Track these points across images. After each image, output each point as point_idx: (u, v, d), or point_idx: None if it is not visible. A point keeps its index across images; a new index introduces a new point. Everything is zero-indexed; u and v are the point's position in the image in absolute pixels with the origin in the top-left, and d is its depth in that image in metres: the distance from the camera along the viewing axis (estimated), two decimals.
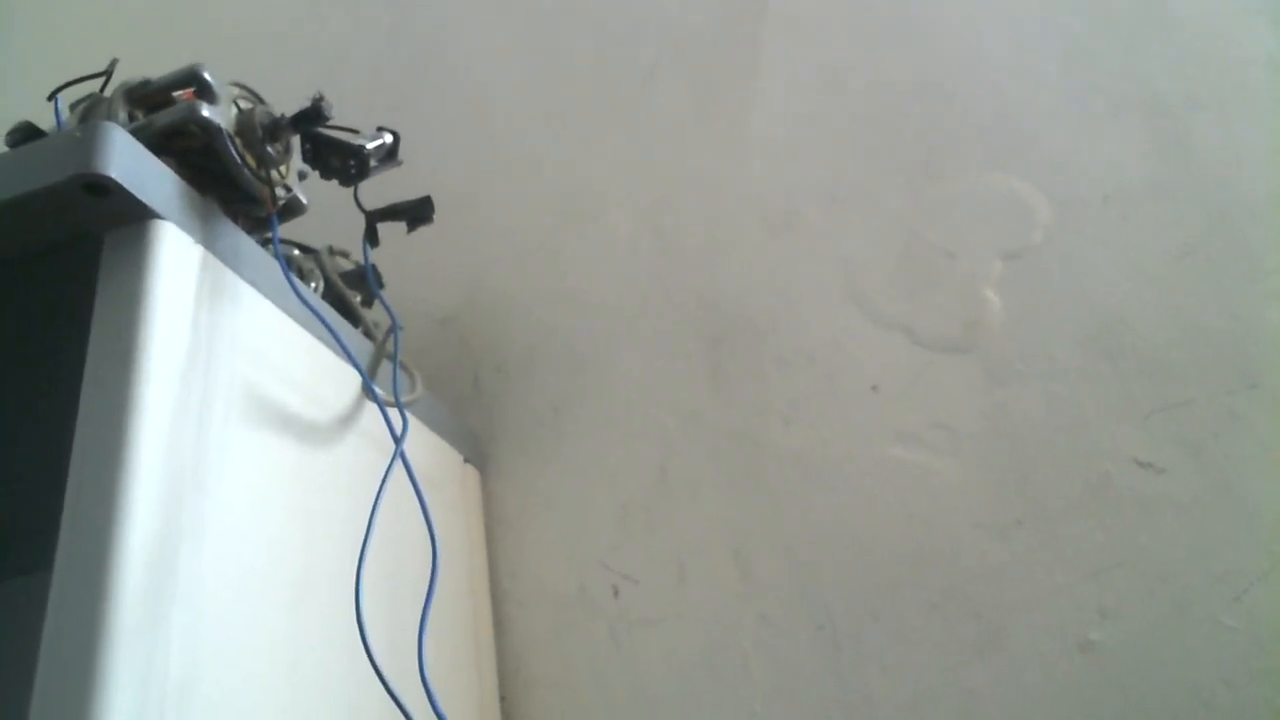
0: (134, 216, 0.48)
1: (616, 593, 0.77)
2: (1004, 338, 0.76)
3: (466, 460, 0.81)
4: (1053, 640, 0.66)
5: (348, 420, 0.62)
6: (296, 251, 0.72)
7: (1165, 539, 0.66)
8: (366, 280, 0.67)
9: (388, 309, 0.64)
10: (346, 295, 0.72)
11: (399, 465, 0.53)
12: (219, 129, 0.54)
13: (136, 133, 0.51)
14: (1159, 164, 0.78)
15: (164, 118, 0.53)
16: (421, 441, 0.73)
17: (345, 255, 0.76)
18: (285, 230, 0.62)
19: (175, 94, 0.56)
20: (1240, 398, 0.68)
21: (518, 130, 1.02)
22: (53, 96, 0.57)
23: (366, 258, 0.66)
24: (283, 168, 0.59)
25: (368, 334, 0.70)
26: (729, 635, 0.73)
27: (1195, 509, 0.66)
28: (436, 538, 0.50)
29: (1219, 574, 0.63)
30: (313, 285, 0.71)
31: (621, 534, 0.79)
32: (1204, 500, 0.66)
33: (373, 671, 0.47)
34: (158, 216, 0.48)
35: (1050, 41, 0.86)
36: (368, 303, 0.75)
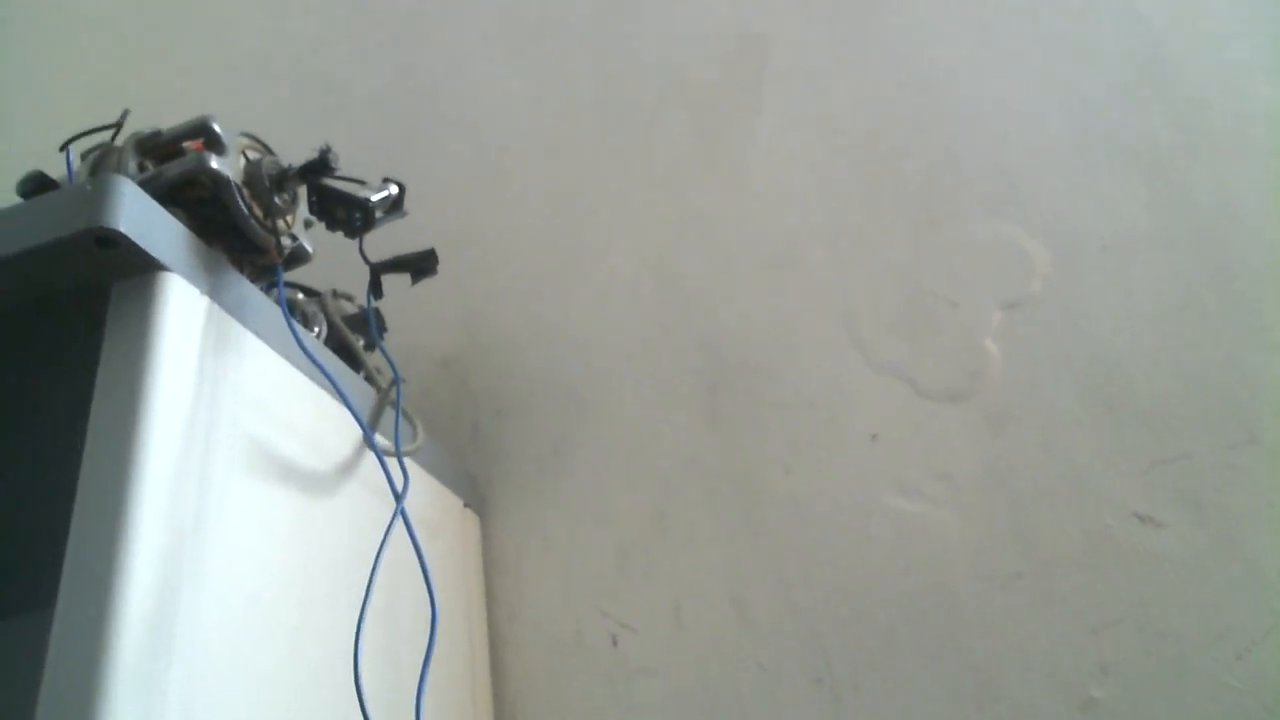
0: (141, 268, 0.49)
1: (615, 641, 0.76)
2: (1004, 388, 0.76)
3: (466, 505, 0.81)
4: (1053, 696, 0.65)
5: (348, 469, 0.62)
6: (300, 295, 0.73)
7: (1166, 594, 0.65)
8: (370, 328, 0.68)
9: (390, 361, 0.64)
10: (349, 339, 0.72)
11: (399, 521, 0.53)
12: (227, 181, 0.55)
13: (146, 183, 0.52)
14: (1158, 214, 0.79)
15: (174, 169, 0.54)
16: (421, 487, 0.73)
17: (349, 299, 0.77)
18: (289, 275, 0.63)
19: (185, 144, 0.57)
20: (1241, 452, 0.68)
21: (520, 172, 1.03)
22: (64, 147, 0.57)
23: (370, 309, 0.67)
24: (289, 217, 0.60)
25: (369, 379, 0.70)
26: (727, 684, 0.72)
27: (1196, 565, 0.66)
28: (436, 598, 0.50)
29: (1221, 632, 0.63)
30: (315, 329, 0.71)
31: (620, 579, 0.79)
32: (1205, 556, 0.66)
33: None
34: (165, 269, 0.49)
35: (1051, 91, 0.87)
36: (369, 346, 0.75)
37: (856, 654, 0.71)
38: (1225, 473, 0.68)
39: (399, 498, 0.54)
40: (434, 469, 0.75)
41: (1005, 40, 0.91)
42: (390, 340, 0.74)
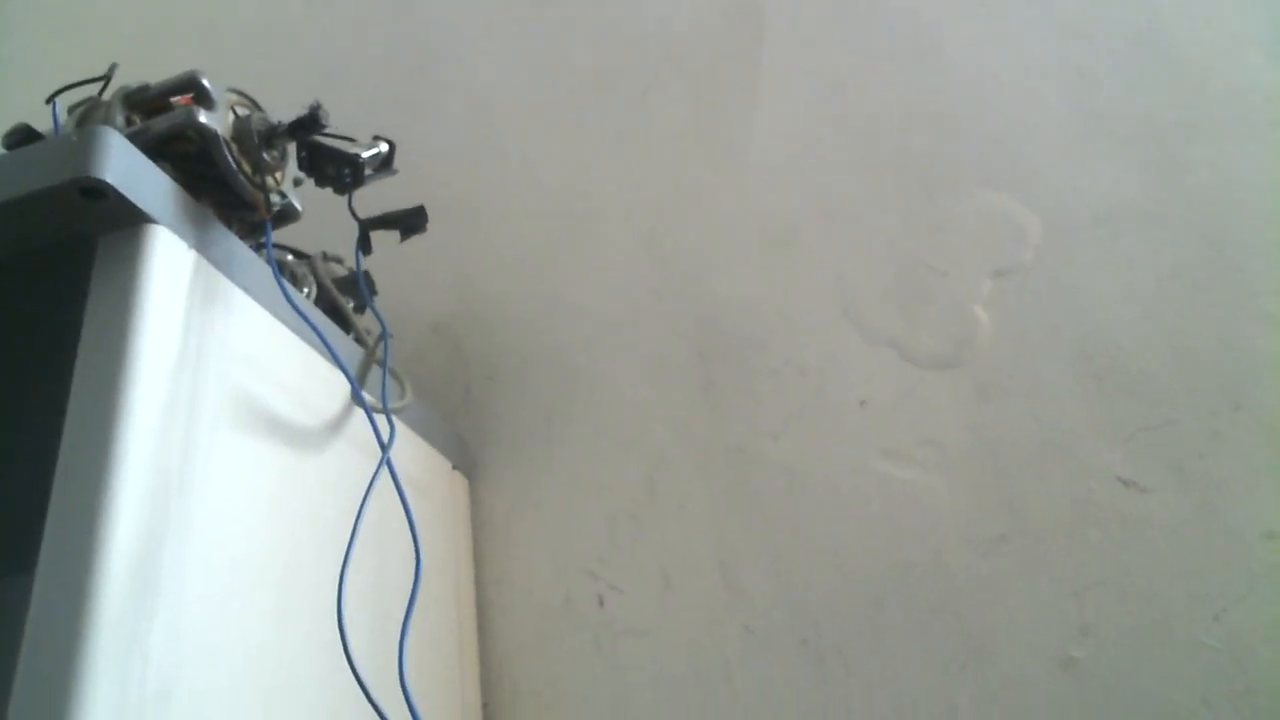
0: (128, 220, 0.49)
1: (602, 602, 0.77)
2: (992, 355, 0.77)
3: (455, 467, 0.81)
4: (1035, 656, 0.66)
5: (336, 426, 0.62)
6: (290, 257, 0.73)
7: (1147, 558, 0.66)
8: (359, 287, 0.68)
9: (378, 316, 0.64)
10: (339, 301, 0.72)
11: (385, 472, 0.53)
12: (215, 135, 0.54)
13: (133, 137, 0.52)
14: (1151, 187, 0.79)
15: (161, 123, 0.54)
16: (410, 448, 0.73)
17: (339, 261, 0.77)
18: (279, 236, 0.63)
19: (173, 99, 0.56)
20: (1224, 419, 0.69)
21: (516, 139, 1.03)
22: (51, 100, 0.57)
23: (359, 265, 0.67)
24: (278, 174, 0.60)
25: (359, 340, 0.70)
26: (713, 647, 0.73)
27: (1178, 529, 0.66)
28: (420, 546, 0.50)
29: (1199, 594, 0.64)
30: (305, 291, 0.71)
31: (608, 544, 0.79)
32: (1186, 520, 0.66)
33: (354, 678, 0.47)
34: (152, 221, 0.49)
35: (1049, 65, 0.87)
36: (360, 309, 0.75)
37: (843, 617, 0.71)
38: (1209, 439, 0.69)
39: (385, 448, 0.54)
40: (423, 430, 0.76)
41: (1003, 12, 0.91)
42: (381, 304, 0.74)
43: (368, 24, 1.18)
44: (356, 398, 0.60)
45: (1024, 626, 0.67)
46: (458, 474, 0.82)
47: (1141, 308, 0.75)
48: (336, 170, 0.59)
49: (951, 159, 0.86)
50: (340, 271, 0.76)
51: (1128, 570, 0.66)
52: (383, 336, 0.62)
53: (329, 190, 0.64)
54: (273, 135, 0.58)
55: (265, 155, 0.58)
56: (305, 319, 0.57)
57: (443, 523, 0.77)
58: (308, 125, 0.57)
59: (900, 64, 0.92)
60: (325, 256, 0.75)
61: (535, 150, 1.01)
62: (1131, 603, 0.65)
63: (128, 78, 0.60)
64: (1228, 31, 0.83)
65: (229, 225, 0.57)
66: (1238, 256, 0.75)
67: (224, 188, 0.56)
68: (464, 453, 0.84)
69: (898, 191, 0.86)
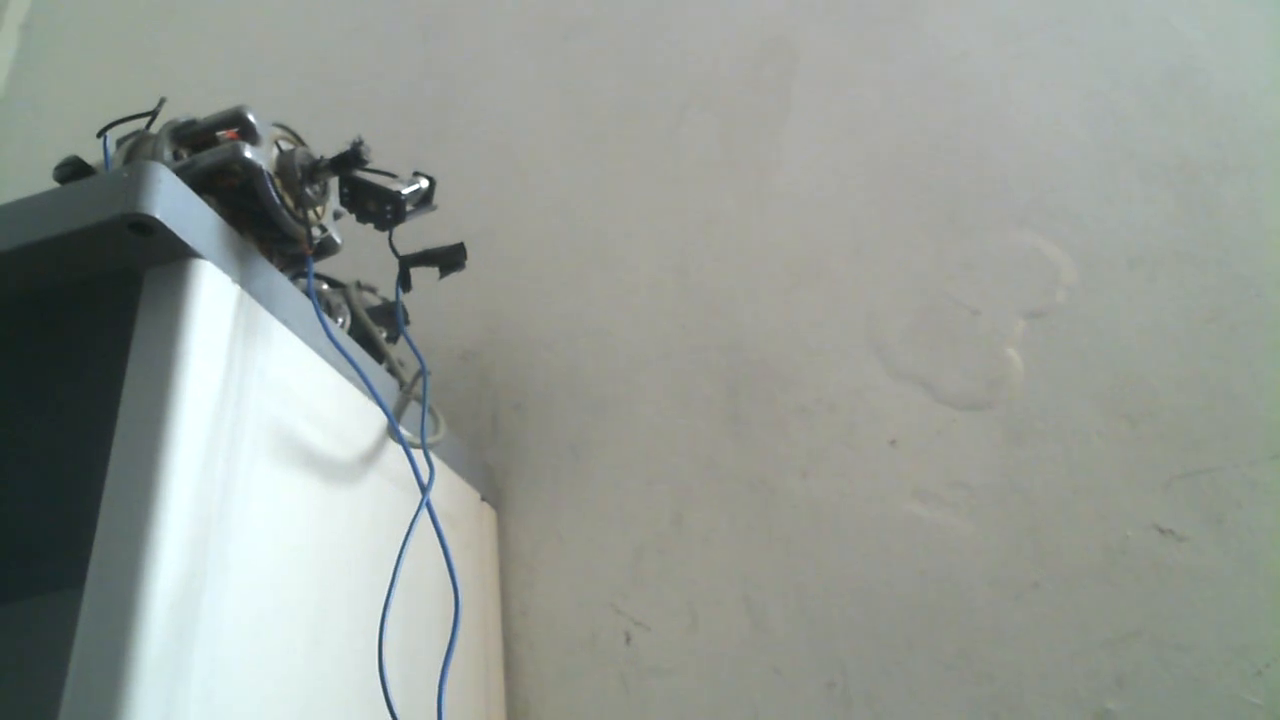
0: (175, 255, 0.49)
1: (628, 639, 0.77)
2: (1025, 397, 0.76)
3: (483, 499, 0.81)
4: (1068, 708, 0.65)
5: (371, 459, 0.62)
6: (325, 286, 0.73)
7: (1185, 608, 0.65)
8: (395, 319, 0.68)
9: (416, 353, 0.65)
10: (373, 331, 0.73)
11: (423, 512, 0.54)
12: (260, 170, 0.55)
13: (181, 171, 0.52)
14: (1186, 228, 0.79)
15: (208, 158, 0.55)
16: (441, 479, 0.73)
17: (373, 290, 0.77)
18: (316, 266, 0.63)
19: (219, 134, 0.57)
20: (1264, 468, 0.68)
21: (546, 169, 1.04)
22: (102, 134, 0.58)
23: (398, 301, 0.67)
24: (319, 208, 0.60)
25: (392, 371, 0.71)
26: (739, 688, 0.72)
27: (1216, 579, 0.65)
28: (460, 594, 0.50)
29: (1239, 647, 0.63)
30: (340, 320, 0.72)
31: (635, 578, 0.79)
32: (1225, 571, 0.65)
33: (387, 713, 0.47)
34: (198, 256, 0.50)
35: (1081, 103, 0.87)
36: (392, 338, 0.76)
37: (871, 661, 0.70)
38: (1247, 488, 0.68)
39: (425, 489, 0.54)
40: (452, 461, 0.76)
41: (1036, 50, 0.91)
42: (411, 332, 0.74)
43: (398, 55, 1.19)
44: (395, 435, 0.60)
45: (1057, 676, 0.66)
46: (486, 505, 0.82)
47: (1177, 351, 0.74)
48: (378, 207, 0.60)
49: (982, 196, 0.86)
50: (374, 301, 0.76)
51: (1165, 620, 0.65)
52: (421, 373, 0.63)
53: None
54: (315, 170, 0.59)
55: (308, 190, 0.58)
56: (345, 355, 0.57)
57: (472, 555, 0.77)
58: (350, 161, 0.58)
59: (930, 100, 0.92)
60: (359, 285, 0.76)
61: (564, 179, 1.02)
62: (1168, 654, 0.64)
63: (165, 98, 0.61)
64: (1261, 71, 0.83)
65: (270, 258, 0.58)
66: (1273, 298, 0.74)
67: (267, 221, 0.57)
68: (492, 484, 0.84)
69: (927, 227, 0.86)
